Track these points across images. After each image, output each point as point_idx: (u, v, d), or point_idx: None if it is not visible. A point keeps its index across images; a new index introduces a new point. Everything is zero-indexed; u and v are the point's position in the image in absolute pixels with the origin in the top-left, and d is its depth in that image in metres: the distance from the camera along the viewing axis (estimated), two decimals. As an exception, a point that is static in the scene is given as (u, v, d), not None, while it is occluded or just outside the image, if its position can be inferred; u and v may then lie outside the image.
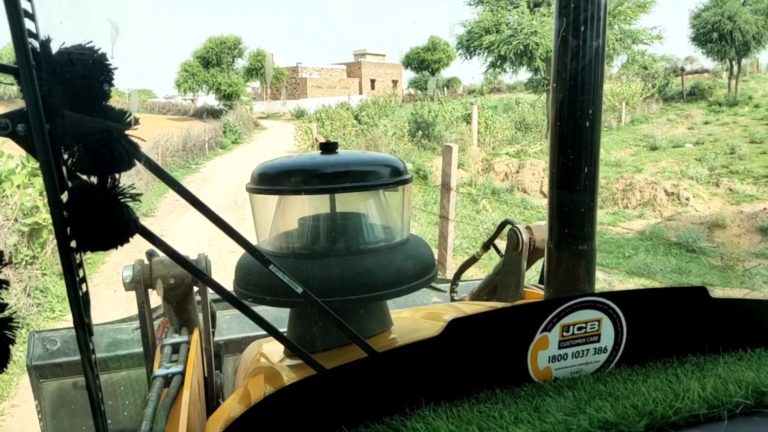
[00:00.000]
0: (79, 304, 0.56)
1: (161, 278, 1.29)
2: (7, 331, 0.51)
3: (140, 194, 0.57)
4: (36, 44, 0.50)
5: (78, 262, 0.56)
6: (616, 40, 20.57)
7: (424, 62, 49.26)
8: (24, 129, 0.51)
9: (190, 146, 21.54)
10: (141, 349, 1.37)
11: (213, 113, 36.35)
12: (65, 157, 0.53)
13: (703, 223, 10.80)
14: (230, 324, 2.10)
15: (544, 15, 19.85)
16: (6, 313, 0.51)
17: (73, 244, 0.54)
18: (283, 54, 48.38)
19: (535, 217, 11.87)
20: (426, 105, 21.98)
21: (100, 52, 0.54)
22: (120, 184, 0.55)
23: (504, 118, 21.83)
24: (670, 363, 0.88)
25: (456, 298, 1.78)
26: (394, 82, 53.06)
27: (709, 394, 0.74)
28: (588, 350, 0.85)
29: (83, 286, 0.58)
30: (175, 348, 1.20)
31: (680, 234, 10.13)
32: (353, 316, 1.03)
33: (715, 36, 26.49)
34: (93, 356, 0.59)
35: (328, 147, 1.05)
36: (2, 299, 0.52)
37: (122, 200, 0.55)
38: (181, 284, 1.32)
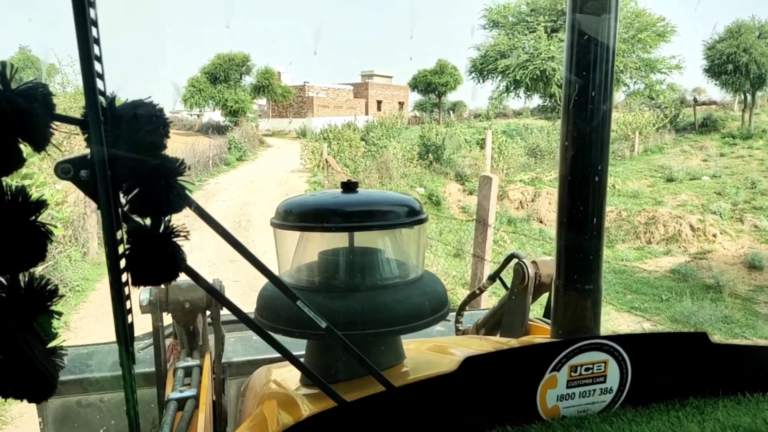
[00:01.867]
0: (126, 336, 0.59)
1: (178, 302, 1.34)
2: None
3: (188, 233, 0.60)
4: (103, 101, 0.55)
5: (126, 294, 0.60)
6: (635, 69, 20.13)
7: (431, 85, 49.11)
8: (87, 175, 0.55)
9: (194, 162, 20.98)
10: (148, 369, 1.41)
11: (218, 129, 36.01)
12: (122, 200, 0.58)
13: (736, 264, 10.14)
14: (234, 347, 2.10)
15: (562, 41, 19.40)
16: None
17: (125, 278, 0.58)
18: (291, 72, 48.00)
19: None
20: (434, 128, 21.51)
21: (159, 107, 0.58)
22: (171, 225, 0.59)
23: (517, 144, 21.30)
24: (672, 405, 0.91)
25: (461, 328, 1.79)
26: (401, 104, 52.84)
27: None
28: (594, 390, 0.89)
29: (129, 316, 0.61)
30: (187, 371, 1.25)
31: (715, 275, 9.46)
32: (370, 349, 1.04)
33: (730, 68, 26.15)
34: (134, 384, 0.62)
35: (349, 186, 1.08)
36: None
37: (174, 241, 0.59)
38: (196, 309, 1.37)
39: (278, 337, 0.85)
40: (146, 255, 0.58)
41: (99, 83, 0.54)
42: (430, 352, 1.23)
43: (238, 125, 34.44)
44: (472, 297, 1.76)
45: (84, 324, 5.79)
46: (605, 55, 0.95)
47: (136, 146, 0.56)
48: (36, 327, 0.53)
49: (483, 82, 21.84)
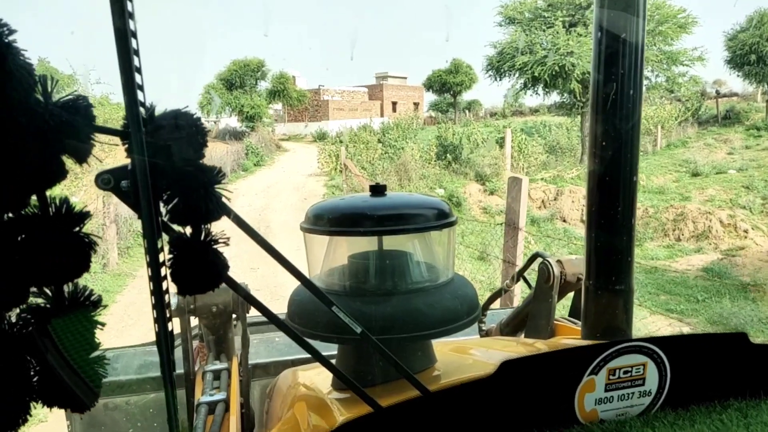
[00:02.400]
0: (168, 342, 0.59)
1: (205, 306, 1.37)
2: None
3: (228, 239, 0.61)
4: (143, 111, 0.55)
5: (167, 303, 0.60)
6: (656, 62, 19.68)
7: (445, 85, 48.85)
8: (128, 185, 0.56)
9: (212, 169, 20.98)
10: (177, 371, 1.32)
11: (235, 135, 36.16)
12: (162, 210, 0.58)
13: (772, 260, 9.77)
14: (257, 348, 2.08)
15: (581, 35, 19.06)
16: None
17: (165, 285, 0.59)
18: (306, 77, 48.08)
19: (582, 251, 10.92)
20: (450, 127, 21.26)
21: (197, 117, 0.58)
22: (212, 233, 0.60)
23: (536, 142, 20.97)
24: (713, 407, 0.89)
25: (484, 328, 1.77)
26: (416, 105, 52.61)
27: None
28: (633, 393, 0.88)
29: (170, 324, 0.61)
30: (216, 375, 1.28)
31: (751, 273, 9.10)
32: (403, 353, 1.02)
33: (753, 58, 25.50)
34: (174, 391, 0.62)
35: (377, 189, 1.08)
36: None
37: (215, 248, 0.60)
38: (223, 312, 1.39)
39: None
40: (189, 263, 0.59)
41: (139, 94, 0.54)
42: (458, 354, 1.22)
43: (255, 130, 34.54)
44: (496, 296, 1.75)
45: (104, 338, 5.67)
46: (636, 54, 0.96)
47: (176, 156, 0.56)
48: (80, 337, 0.54)
49: (500, 79, 21.49)
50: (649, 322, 6.57)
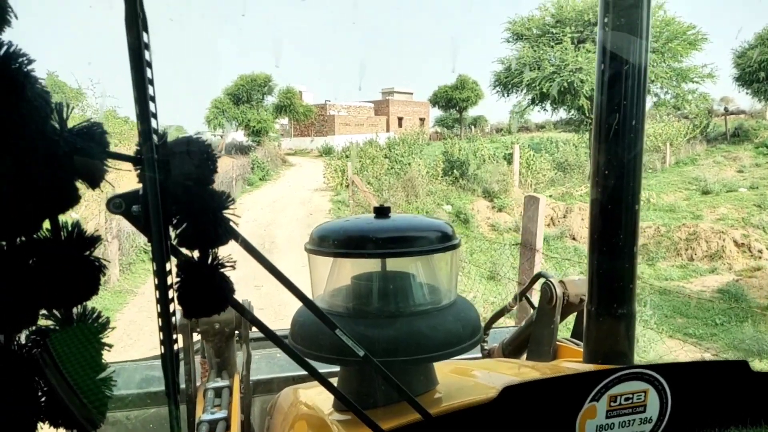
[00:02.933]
0: (173, 365, 0.61)
1: (208, 323, 1.37)
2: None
3: (235, 263, 0.62)
4: (156, 138, 0.57)
5: (174, 324, 0.61)
6: (666, 79, 19.53)
7: (451, 100, 48.94)
8: (139, 210, 0.57)
9: (218, 183, 20.80)
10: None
11: (241, 149, 36.18)
12: (171, 234, 0.60)
13: (791, 282, 9.50)
14: (258, 364, 2.07)
15: (589, 51, 18.95)
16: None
17: (171, 307, 0.60)
18: (312, 92, 48.22)
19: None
20: (456, 143, 21.12)
21: (208, 143, 0.60)
22: (220, 257, 0.62)
23: (544, 159, 20.78)
24: None
25: (486, 348, 1.75)
26: (422, 120, 52.64)
27: None
28: (634, 420, 0.88)
29: (175, 345, 0.63)
30: (218, 392, 1.28)
31: (769, 295, 8.83)
32: (405, 375, 1.03)
33: (762, 75, 25.34)
34: (179, 413, 0.63)
35: (382, 211, 1.08)
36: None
37: (222, 272, 0.62)
38: (225, 329, 1.39)
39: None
40: (196, 287, 0.60)
41: (152, 122, 0.56)
42: (459, 376, 1.21)
43: (261, 145, 34.55)
44: (498, 316, 1.74)
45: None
46: (639, 77, 0.96)
47: (186, 182, 0.58)
48: (88, 358, 0.55)
49: (507, 95, 21.37)
50: (669, 347, 6.32)
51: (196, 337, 1.46)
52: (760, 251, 12.07)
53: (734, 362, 0.92)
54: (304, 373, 0.75)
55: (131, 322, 7.11)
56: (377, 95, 54.05)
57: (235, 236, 0.63)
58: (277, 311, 7.19)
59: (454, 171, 18.63)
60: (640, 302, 8.69)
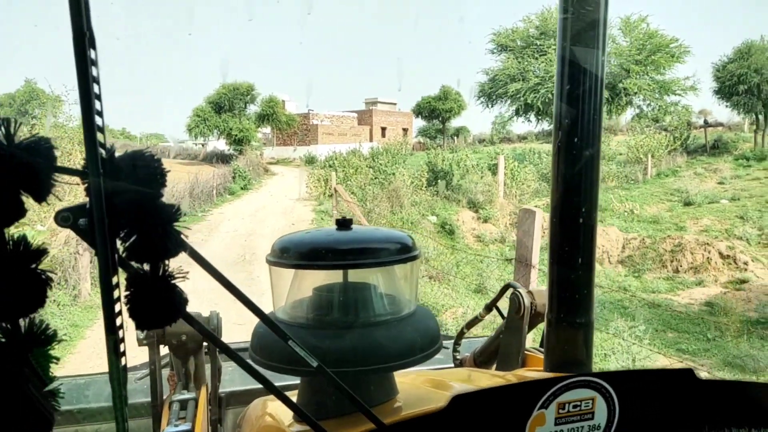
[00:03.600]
0: (119, 379, 0.61)
1: (174, 335, 1.36)
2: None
3: (186, 274, 0.63)
4: (103, 153, 0.58)
5: (121, 338, 0.62)
6: (649, 91, 19.65)
7: (434, 111, 49.17)
8: (85, 223, 0.58)
9: (198, 192, 20.46)
10: (144, 399, 1.46)
11: (223, 158, 35.76)
12: (119, 247, 0.60)
13: (778, 294, 9.43)
14: (232, 376, 2.05)
15: (573, 63, 18.95)
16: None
17: (119, 322, 0.61)
18: (295, 101, 47.99)
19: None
20: (440, 153, 21.02)
21: (157, 157, 0.62)
22: (169, 269, 0.62)
23: (529, 169, 20.74)
24: None
25: (458, 357, 1.76)
26: (405, 131, 52.69)
27: None
28: (583, 427, 0.90)
29: (123, 359, 0.63)
30: (183, 405, 1.28)
31: (758, 308, 8.74)
32: (363, 385, 1.04)
33: (742, 89, 25.72)
34: (126, 425, 0.64)
35: (344, 223, 1.10)
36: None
37: (173, 283, 0.62)
38: (192, 341, 1.38)
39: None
40: (146, 299, 0.61)
41: (99, 136, 0.57)
42: (424, 386, 1.21)
43: (243, 154, 34.21)
44: (470, 326, 1.74)
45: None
46: (596, 90, 0.99)
47: (133, 195, 0.59)
48: (35, 371, 0.56)
49: (492, 106, 21.36)
50: (663, 365, 6.13)
51: (165, 350, 1.48)
52: (745, 263, 12.04)
53: (680, 370, 0.94)
54: (285, 383, 0.78)
55: (101, 339, 6.75)
56: (361, 105, 54.05)
57: (184, 247, 0.63)
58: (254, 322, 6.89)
59: (439, 181, 18.48)
60: (629, 316, 8.56)
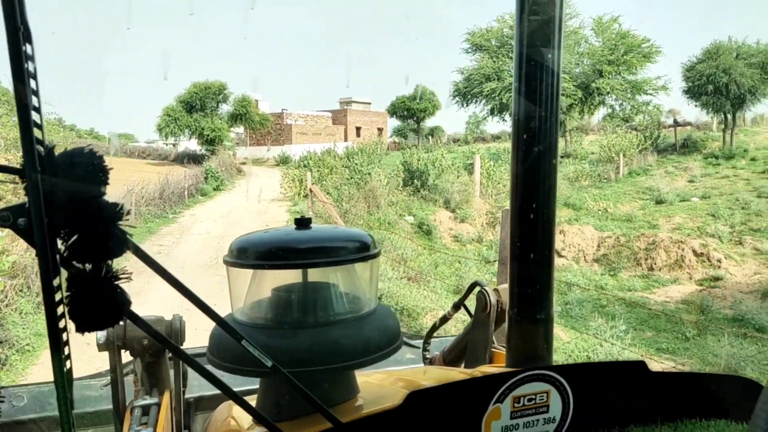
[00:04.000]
0: (64, 381, 0.60)
1: (135, 339, 1.33)
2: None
3: (130, 275, 0.63)
4: (41, 149, 0.57)
5: (65, 340, 0.61)
6: (621, 91, 19.85)
7: (409, 111, 49.24)
8: (25, 222, 0.58)
9: (168, 194, 19.98)
10: (108, 407, 1.39)
11: (194, 158, 35.15)
12: (61, 247, 0.60)
13: (752, 292, 9.53)
14: (201, 380, 1.92)
15: (547, 62, 19.01)
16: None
17: (62, 324, 0.60)
18: (268, 100, 47.48)
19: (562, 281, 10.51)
20: (415, 153, 20.94)
21: (98, 154, 0.60)
22: (112, 269, 0.61)
23: (504, 169, 20.79)
24: None
25: (428, 356, 1.77)
26: (380, 130, 52.58)
27: None
28: (538, 420, 0.91)
29: (68, 362, 0.62)
30: (146, 410, 1.26)
31: (734, 306, 8.80)
32: (321, 385, 1.04)
33: (711, 88, 26.19)
34: (72, 429, 0.64)
35: (303, 222, 1.09)
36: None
37: (115, 283, 0.61)
38: (154, 344, 1.36)
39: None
40: (87, 300, 0.59)
41: (36, 132, 0.56)
42: (388, 385, 1.20)
43: (215, 154, 33.67)
44: (439, 325, 1.74)
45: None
46: (553, 87, 1.00)
47: (73, 194, 0.58)
48: None
49: (467, 105, 21.33)
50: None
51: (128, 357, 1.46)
52: (719, 261, 12.19)
53: (633, 362, 0.95)
54: (250, 387, 0.76)
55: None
56: (335, 105, 53.74)
57: (127, 246, 0.61)
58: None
59: (415, 181, 18.37)
60: (608, 315, 8.54)
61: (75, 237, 0.58)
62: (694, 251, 12.50)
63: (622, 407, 0.96)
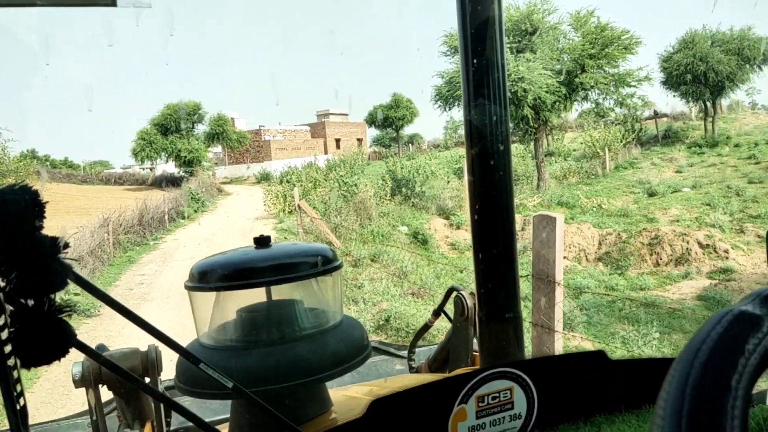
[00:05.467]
0: (17, 418, 0.59)
1: (111, 373, 1.33)
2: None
3: (73, 309, 0.63)
4: None
5: (16, 377, 0.59)
6: (604, 84, 19.59)
7: (387, 119, 48.98)
8: None
9: (148, 219, 19.18)
10: None
11: (173, 181, 34.30)
12: (2, 284, 0.59)
13: (769, 282, 9.11)
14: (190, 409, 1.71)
15: (529, 60, 18.69)
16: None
17: (11, 361, 0.59)
18: (245, 118, 46.82)
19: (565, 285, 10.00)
20: (398, 161, 20.46)
21: (32, 189, 0.60)
22: (55, 303, 0.61)
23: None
24: (581, 424, 0.94)
25: (414, 366, 1.75)
26: (359, 141, 52.15)
27: None
28: (504, 418, 0.91)
29: (21, 400, 0.61)
30: None
31: (756, 298, 8.36)
32: (291, 401, 1.05)
33: (689, 78, 26.15)
34: None
35: (262, 241, 1.10)
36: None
37: (59, 317, 0.61)
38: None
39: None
40: (31, 335, 0.59)
41: None
42: (361, 396, 1.16)
43: (194, 175, 32.89)
44: (421, 333, 1.67)
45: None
46: (500, 77, 1.02)
47: (7, 231, 0.57)
48: None
49: (449, 109, 20.88)
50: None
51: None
52: (726, 251, 11.82)
53: (593, 353, 0.95)
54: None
55: (44, 384, 5.73)
56: (312, 118, 53.24)
57: (71, 277, 0.61)
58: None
59: (403, 189, 17.86)
60: (631, 320, 8.05)
61: (13, 274, 0.57)
62: (699, 243, 12.13)
63: (586, 398, 0.96)
